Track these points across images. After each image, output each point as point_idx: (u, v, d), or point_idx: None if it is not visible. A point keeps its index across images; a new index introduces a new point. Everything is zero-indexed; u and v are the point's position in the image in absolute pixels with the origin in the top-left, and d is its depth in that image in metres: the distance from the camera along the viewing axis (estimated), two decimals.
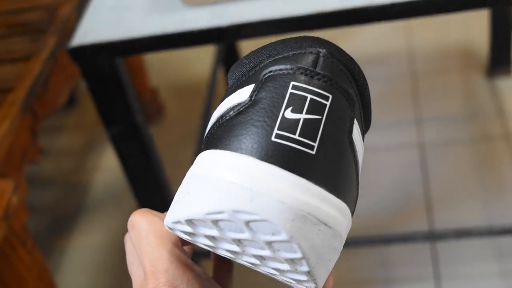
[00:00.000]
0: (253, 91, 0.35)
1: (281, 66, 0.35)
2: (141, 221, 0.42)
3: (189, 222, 0.35)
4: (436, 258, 1.43)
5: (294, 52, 0.35)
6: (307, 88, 0.34)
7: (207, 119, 1.53)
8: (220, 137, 0.35)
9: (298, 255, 0.33)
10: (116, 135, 1.01)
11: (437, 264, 1.41)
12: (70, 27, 1.16)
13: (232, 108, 0.36)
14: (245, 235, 0.34)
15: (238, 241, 0.35)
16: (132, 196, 1.13)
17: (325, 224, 0.33)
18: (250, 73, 0.37)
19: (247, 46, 1.92)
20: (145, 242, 0.41)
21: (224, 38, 0.89)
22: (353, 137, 0.36)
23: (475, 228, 1.32)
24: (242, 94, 0.36)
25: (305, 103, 0.34)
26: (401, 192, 1.59)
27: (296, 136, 0.33)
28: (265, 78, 0.35)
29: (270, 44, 0.37)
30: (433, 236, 1.39)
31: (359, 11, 0.84)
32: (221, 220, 0.34)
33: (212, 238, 0.36)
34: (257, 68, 0.36)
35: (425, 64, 1.98)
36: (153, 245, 0.41)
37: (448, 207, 1.53)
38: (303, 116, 0.33)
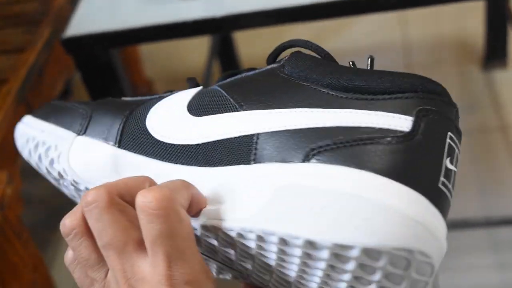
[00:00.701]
0: (414, 125, 0.35)
1: (439, 109, 0.36)
2: (182, 213, 0.35)
3: (312, 244, 0.34)
4: None
5: (443, 100, 0.37)
6: (456, 144, 0.37)
7: None
8: (370, 156, 0.35)
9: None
10: None
11: None
12: (65, 18, 1.15)
13: (378, 131, 0.35)
14: (398, 271, 0.34)
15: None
16: None
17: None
18: (392, 96, 0.37)
19: (242, 37, 1.92)
20: (191, 245, 0.35)
21: (220, 29, 0.88)
22: None
23: (471, 219, 1.32)
24: (389, 119, 0.36)
25: (456, 156, 0.37)
26: None
27: (450, 186, 0.36)
28: (422, 115, 0.36)
29: (413, 75, 0.38)
30: None
31: (355, 2, 0.84)
32: (385, 256, 0.33)
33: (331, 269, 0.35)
34: (405, 96, 0.37)
35: (420, 56, 1.98)
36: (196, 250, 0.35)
37: None
38: (454, 168, 0.36)
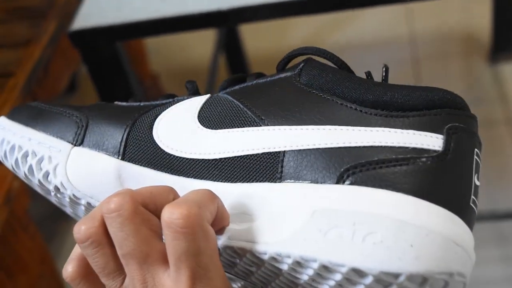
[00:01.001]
0: (446, 144, 0.36)
1: (465, 126, 0.37)
2: (209, 230, 0.34)
3: (357, 271, 0.33)
4: None
5: (467, 114, 0.38)
6: (480, 158, 0.38)
7: None
8: (407, 178, 0.35)
9: None
10: None
11: None
12: (71, 11, 1.15)
13: (412, 151, 0.36)
14: None
15: None
16: None
17: None
18: (421, 113, 0.37)
19: (248, 30, 1.91)
20: (216, 262, 0.34)
21: (225, 21, 0.88)
22: None
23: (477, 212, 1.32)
24: (421, 138, 0.36)
25: (479, 170, 0.37)
26: None
27: (477, 202, 0.37)
28: (452, 133, 0.36)
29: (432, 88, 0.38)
30: None
31: None
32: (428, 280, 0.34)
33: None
34: (434, 113, 0.37)
35: (427, 49, 1.97)
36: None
37: None
38: (478, 183, 0.37)
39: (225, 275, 0.34)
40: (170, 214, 0.32)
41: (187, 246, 0.32)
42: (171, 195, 0.36)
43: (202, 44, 2.07)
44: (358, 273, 0.33)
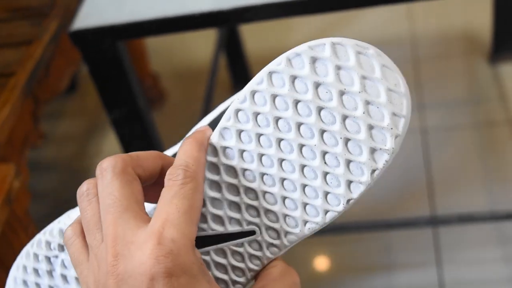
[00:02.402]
0: None
1: None
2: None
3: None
4: (438, 243, 1.43)
5: None
6: None
7: (208, 105, 1.53)
8: None
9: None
10: (118, 119, 1.01)
11: (439, 250, 1.41)
12: (72, 10, 1.15)
13: None
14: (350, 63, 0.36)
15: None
16: None
17: None
18: None
19: (249, 30, 1.91)
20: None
21: (227, 21, 0.88)
22: None
23: (477, 213, 1.32)
24: None
25: None
26: (404, 178, 1.59)
27: None
28: None
29: None
30: (435, 222, 1.38)
31: None
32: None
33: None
34: None
35: (427, 49, 1.97)
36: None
37: (451, 193, 1.53)
38: None
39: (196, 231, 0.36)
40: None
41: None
42: (158, 160, 0.39)
43: (202, 44, 2.08)
44: None
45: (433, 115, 1.73)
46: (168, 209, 0.35)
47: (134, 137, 1.04)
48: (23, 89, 1.09)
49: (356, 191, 0.37)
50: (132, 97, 0.98)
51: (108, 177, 0.36)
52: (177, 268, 0.33)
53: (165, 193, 0.36)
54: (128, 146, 1.05)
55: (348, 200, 0.37)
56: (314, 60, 0.36)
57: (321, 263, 1.47)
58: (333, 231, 1.38)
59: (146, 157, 0.39)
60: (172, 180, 0.36)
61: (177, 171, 0.37)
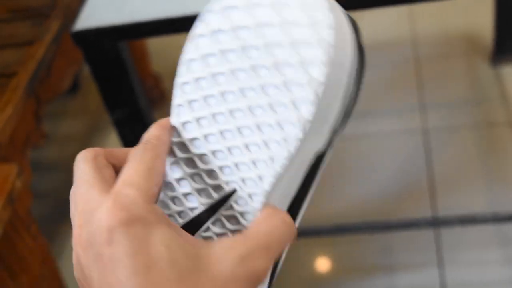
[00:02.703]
0: None
1: None
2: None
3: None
4: (439, 244, 1.43)
5: None
6: None
7: None
8: None
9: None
10: (120, 120, 1.01)
11: (440, 251, 1.41)
12: (74, 11, 1.16)
13: None
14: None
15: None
16: None
17: None
18: None
19: None
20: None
21: None
22: None
23: (479, 214, 1.32)
24: None
25: None
26: (405, 178, 1.59)
27: None
28: None
29: None
30: (436, 223, 1.38)
31: None
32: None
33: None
34: None
35: (429, 50, 1.97)
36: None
37: (452, 193, 1.53)
38: None
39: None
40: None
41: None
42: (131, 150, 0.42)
43: None
44: None
45: (434, 115, 1.73)
46: (126, 172, 0.38)
47: (136, 137, 1.04)
48: (25, 89, 1.09)
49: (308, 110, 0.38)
50: (134, 97, 0.98)
51: (81, 167, 0.39)
52: (133, 218, 0.35)
53: (126, 164, 0.39)
54: (129, 146, 1.05)
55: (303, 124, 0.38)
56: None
57: (322, 264, 1.46)
58: (334, 232, 1.38)
59: (121, 150, 0.42)
60: (132, 155, 0.39)
61: (138, 147, 0.40)
